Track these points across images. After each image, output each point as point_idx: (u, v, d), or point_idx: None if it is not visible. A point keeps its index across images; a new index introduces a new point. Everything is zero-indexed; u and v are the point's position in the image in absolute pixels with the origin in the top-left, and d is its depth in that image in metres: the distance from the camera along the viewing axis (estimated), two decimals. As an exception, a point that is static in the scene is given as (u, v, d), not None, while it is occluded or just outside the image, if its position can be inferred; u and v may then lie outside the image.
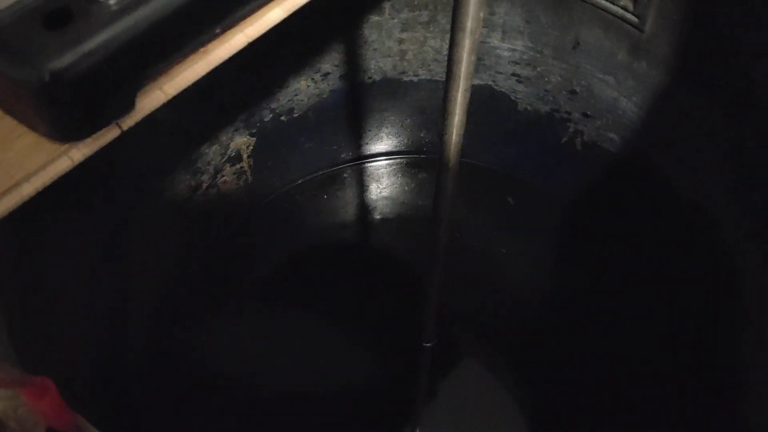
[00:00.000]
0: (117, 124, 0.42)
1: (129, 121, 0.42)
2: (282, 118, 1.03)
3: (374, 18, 0.94)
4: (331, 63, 0.99)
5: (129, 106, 0.42)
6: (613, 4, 0.81)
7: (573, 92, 0.95)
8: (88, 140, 0.41)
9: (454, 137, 0.62)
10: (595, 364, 0.92)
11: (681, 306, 0.89)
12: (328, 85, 1.02)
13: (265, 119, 1.01)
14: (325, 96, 1.03)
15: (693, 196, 0.84)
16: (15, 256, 0.63)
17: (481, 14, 0.50)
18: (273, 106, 1.00)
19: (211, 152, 0.98)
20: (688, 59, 0.77)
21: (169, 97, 0.44)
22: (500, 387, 0.94)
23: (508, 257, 1.06)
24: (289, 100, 1.01)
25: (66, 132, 0.40)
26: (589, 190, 1.02)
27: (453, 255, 0.85)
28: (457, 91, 0.57)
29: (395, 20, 0.95)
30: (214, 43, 0.44)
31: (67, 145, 0.41)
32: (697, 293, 0.85)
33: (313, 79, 1.00)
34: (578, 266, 1.02)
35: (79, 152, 0.41)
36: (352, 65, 1.00)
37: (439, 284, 0.83)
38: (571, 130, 1.00)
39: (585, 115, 0.96)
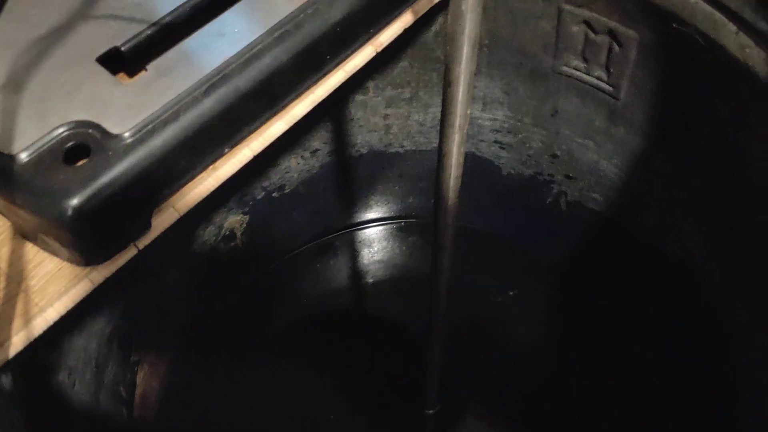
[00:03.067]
0: (134, 244, 0.44)
1: (145, 241, 0.45)
2: (274, 194, 1.05)
3: (359, 97, 0.98)
4: (320, 140, 1.02)
5: (145, 227, 0.44)
6: (588, 74, 0.85)
7: (554, 156, 0.99)
8: (107, 262, 0.43)
9: (449, 220, 0.64)
10: (596, 425, 0.93)
11: (673, 361, 0.91)
12: (318, 161, 1.05)
13: (258, 197, 1.03)
14: (315, 171, 1.06)
15: (679, 255, 0.87)
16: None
17: (469, 111, 0.53)
18: (265, 184, 1.03)
19: (206, 234, 0.99)
20: (662, 126, 0.81)
21: (182, 214, 0.46)
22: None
23: (502, 319, 1.07)
24: (280, 178, 1.04)
25: (87, 257, 0.42)
26: (576, 248, 1.05)
27: (448, 318, 0.87)
28: (449, 178, 0.60)
29: (379, 98, 0.99)
30: (222, 159, 0.47)
31: (87, 269, 0.43)
32: (688, 348, 0.88)
33: (302, 156, 1.03)
34: (573, 326, 1.04)
35: (99, 275, 0.43)
36: (340, 141, 1.04)
37: (439, 352, 0.85)
38: (555, 191, 1.03)
39: (567, 177, 0.99)
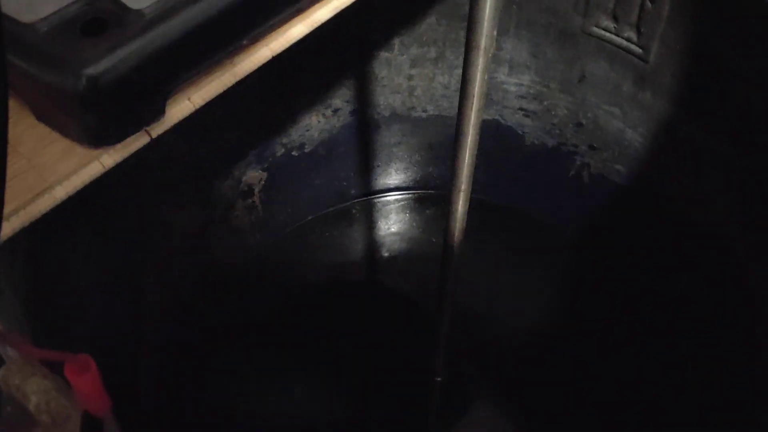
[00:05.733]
0: (146, 131, 0.43)
1: (158, 129, 0.44)
2: (293, 152, 1.04)
3: (384, 54, 0.97)
4: (341, 99, 1.01)
5: (159, 113, 0.43)
6: (618, 36, 0.84)
7: (579, 125, 0.97)
8: (119, 146, 0.42)
9: (467, 159, 0.63)
10: (605, 398, 0.91)
11: (693, 330, 0.89)
12: (339, 120, 1.04)
13: (277, 154, 1.03)
14: (335, 132, 1.05)
15: (706, 223, 0.84)
16: (37, 269, 0.63)
17: (495, 32, 0.52)
18: (285, 141, 1.02)
19: (224, 186, 0.99)
20: (691, 88, 0.79)
21: (197, 106, 0.45)
22: (511, 421, 0.93)
23: (516, 291, 1.06)
24: (300, 135, 1.03)
25: (98, 137, 0.41)
26: (597, 221, 1.03)
27: (460, 289, 0.86)
28: (471, 109, 0.58)
29: (404, 56, 0.98)
30: (241, 55, 0.46)
31: (98, 151, 0.42)
32: (709, 319, 0.85)
33: (324, 114, 1.02)
34: (589, 298, 1.02)
35: (110, 158, 0.42)
36: (362, 101, 1.03)
37: (449, 318, 0.83)
38: (577, 163, 1.01)
39: (591, 147, 0.98)
